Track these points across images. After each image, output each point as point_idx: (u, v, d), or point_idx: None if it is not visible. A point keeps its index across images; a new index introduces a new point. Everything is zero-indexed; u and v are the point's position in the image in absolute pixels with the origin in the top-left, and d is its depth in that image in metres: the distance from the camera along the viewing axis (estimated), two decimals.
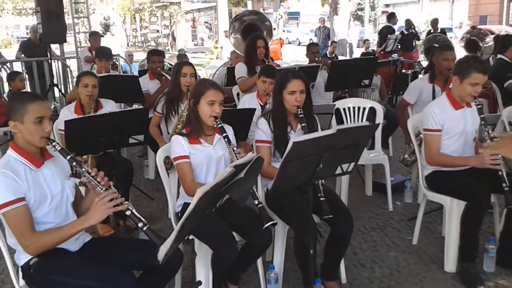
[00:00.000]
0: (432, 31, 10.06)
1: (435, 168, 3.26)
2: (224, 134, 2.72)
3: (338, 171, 2.54)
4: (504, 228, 3.13)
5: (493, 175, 2.93)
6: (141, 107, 4.54)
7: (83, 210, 2.30)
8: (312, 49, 5.91)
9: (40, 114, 2.13)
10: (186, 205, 2.76)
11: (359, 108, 4.46)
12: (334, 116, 3.98)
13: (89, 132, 3.34)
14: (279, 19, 30.54)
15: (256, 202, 2.41)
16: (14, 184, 2.06)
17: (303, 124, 2.91)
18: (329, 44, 11.89)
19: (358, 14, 32.37)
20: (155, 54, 5.28)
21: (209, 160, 2.80)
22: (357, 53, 15.07)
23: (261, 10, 30.71)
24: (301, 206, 2.67)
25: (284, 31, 32.05)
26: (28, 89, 7.13)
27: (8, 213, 2.04)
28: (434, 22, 10.32)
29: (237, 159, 2.56)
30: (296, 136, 3.00)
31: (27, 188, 2.10)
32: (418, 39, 10.86)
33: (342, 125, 2.32)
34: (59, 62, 8.68)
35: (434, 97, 4.25)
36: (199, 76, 7.57)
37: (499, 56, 5.57)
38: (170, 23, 30.66)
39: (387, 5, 35.87)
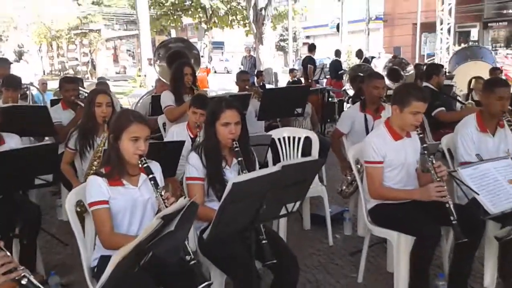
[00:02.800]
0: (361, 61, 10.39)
1: (379, 201, 3.07)
2: (151, 176, 2.32)
3: (283, 211, 2.25)
4: (452, 263, 2.98)
5: (440, 206, 2.77)
6: (49, 142, 3.99)
7: None
8: (242, 76, 5.65)
9: None
10: (103, 259, 2.33)
11: (294, 138, 4.24)
12: (269, 148, 3.72)
13: None
14: (204, 48, 30.49)
15: (188, 258, 2.02)
16: None
17: (239, 159, 2.59)
18: (255, 73, 11.86)
19: (281, 44, 33.23)
20: (68, 82, 4.75)
21: (134, 204, 2.38)
22: (282, 81, 15.20)
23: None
24: (241, 254, 2.33)
25: (222, 60, 31.82)
26: None
27: None
28: (359, 52, 10.64)
29: (165, 206, 2.18)
30: (232, 171, 2.70)
31: None
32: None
33: (287, 161, 2.05)
34: None
35: (366, 126, 4.18)
36: (121, 106, 7.08)
37: (425, 84, 5.64)
38: (90, 50, 29.50)
39: (307, 37, 37.22)
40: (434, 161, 2.83)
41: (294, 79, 11.93)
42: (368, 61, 10.34)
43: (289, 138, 4.22)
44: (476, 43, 23.23)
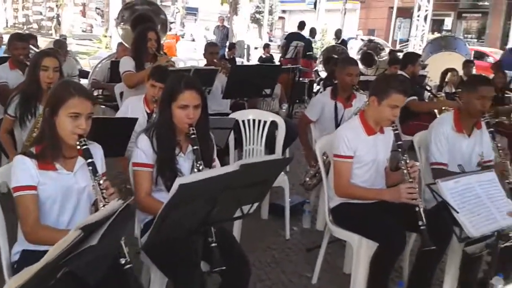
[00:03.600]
0: (337, 41, 10.06)
1: (343, 200, 2.86)
2: (89, 161, 1.98)
3: (238, 213, 1.99)
4: (414, 270, 2.82)
5: (407, 209, 2.58)
6: None
7: None
8: (210, 49, 5.26)
9: None
10: (25, 253, 2.02)
11: (259, 121, 3.97)
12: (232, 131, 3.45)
13: None
14: (176, 13, 29.50)
15: (123, 261, 1.73)
16: None
17: (195, 147, 2.30)
18: (227, 44, 11.42)
19: (256, 17, 32.49)
20: (18, 39, 4.29)
21: (66, 192, 2.05)
22: (255, 55, 14.79)
23: (157, 2, 29.29)
24: (186, 257, 2.07)
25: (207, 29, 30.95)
26: None
27: None
28: (338, 32, 10.32)
29: (103, 197, 1.88)
30: (186, 159, 2.41)
31: None
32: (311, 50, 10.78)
33: (247, 160, 1.77)
34: None
35: (336, 115, 3.97)
36: (80, 68, 6.59)
37: (400, 72, 5.48)
38: (57, 5, 27.97)
39: (283, 11, 36.57)
40: (408, 160, 2.63)
41: (268, 55, 11.58)
42: (345, 43, 9.99)
43: (254, 121, 3.95)
44: (449, 33, 23.35)
